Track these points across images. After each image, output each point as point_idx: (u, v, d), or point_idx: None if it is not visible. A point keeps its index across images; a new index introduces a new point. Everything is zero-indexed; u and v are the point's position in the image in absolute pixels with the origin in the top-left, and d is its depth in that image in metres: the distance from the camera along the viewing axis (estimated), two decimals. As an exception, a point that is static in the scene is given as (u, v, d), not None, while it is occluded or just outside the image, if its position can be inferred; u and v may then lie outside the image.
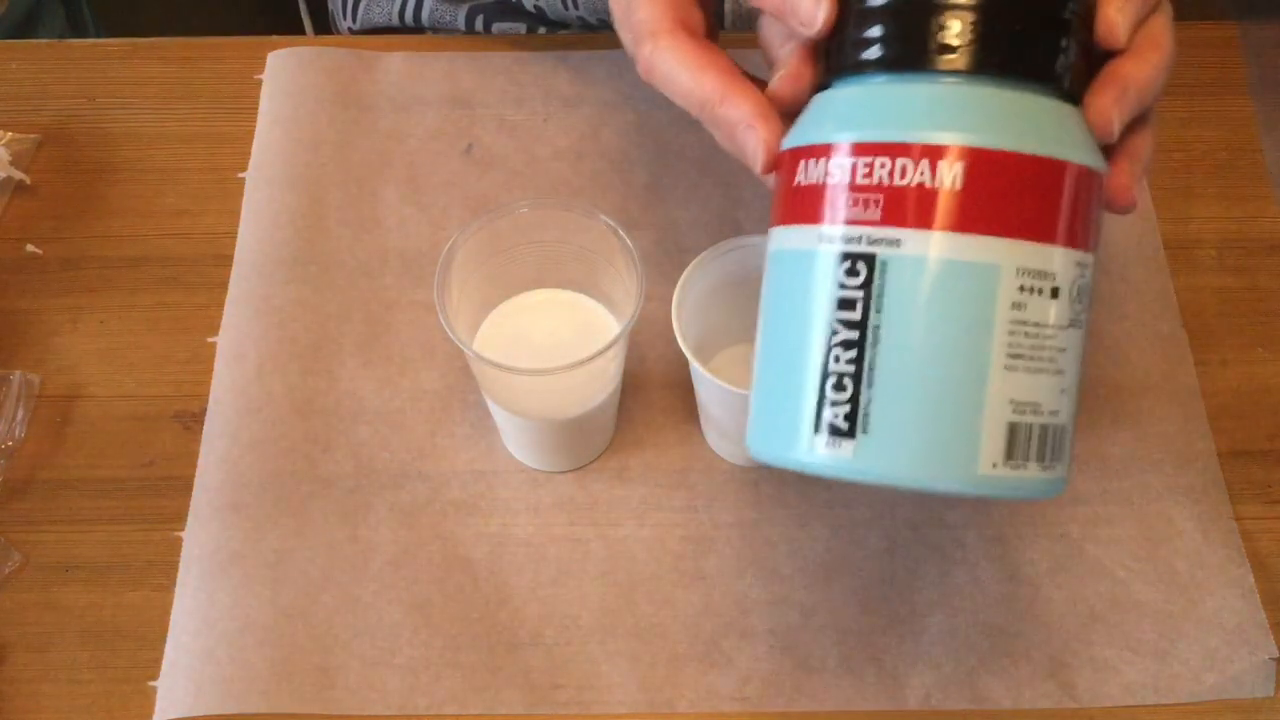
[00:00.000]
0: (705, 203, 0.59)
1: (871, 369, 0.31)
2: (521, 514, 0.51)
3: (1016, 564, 0.49)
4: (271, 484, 0.51)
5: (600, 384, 0.47)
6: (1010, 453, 0.31)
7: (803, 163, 0.33)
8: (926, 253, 0.30)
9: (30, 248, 0.58)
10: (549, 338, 0.50)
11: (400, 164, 0.60)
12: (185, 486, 0.51)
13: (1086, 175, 0.32)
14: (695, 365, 0.45)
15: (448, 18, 0.68)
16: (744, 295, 0.49)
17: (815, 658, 0.48)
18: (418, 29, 0.70)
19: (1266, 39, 0.65)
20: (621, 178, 0.60)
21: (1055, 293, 0.31)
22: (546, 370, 0.43)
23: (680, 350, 0.45)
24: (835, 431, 0.31)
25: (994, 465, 0.31)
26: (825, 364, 0.32)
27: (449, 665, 0.47)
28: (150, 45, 0.65)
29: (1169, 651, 0.48)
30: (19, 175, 0.60)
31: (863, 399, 0.31)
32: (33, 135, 0.61)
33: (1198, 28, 0.65)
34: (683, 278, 0.46)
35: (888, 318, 0.31)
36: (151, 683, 0.47)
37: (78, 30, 0.94)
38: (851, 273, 0.31)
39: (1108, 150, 0.34)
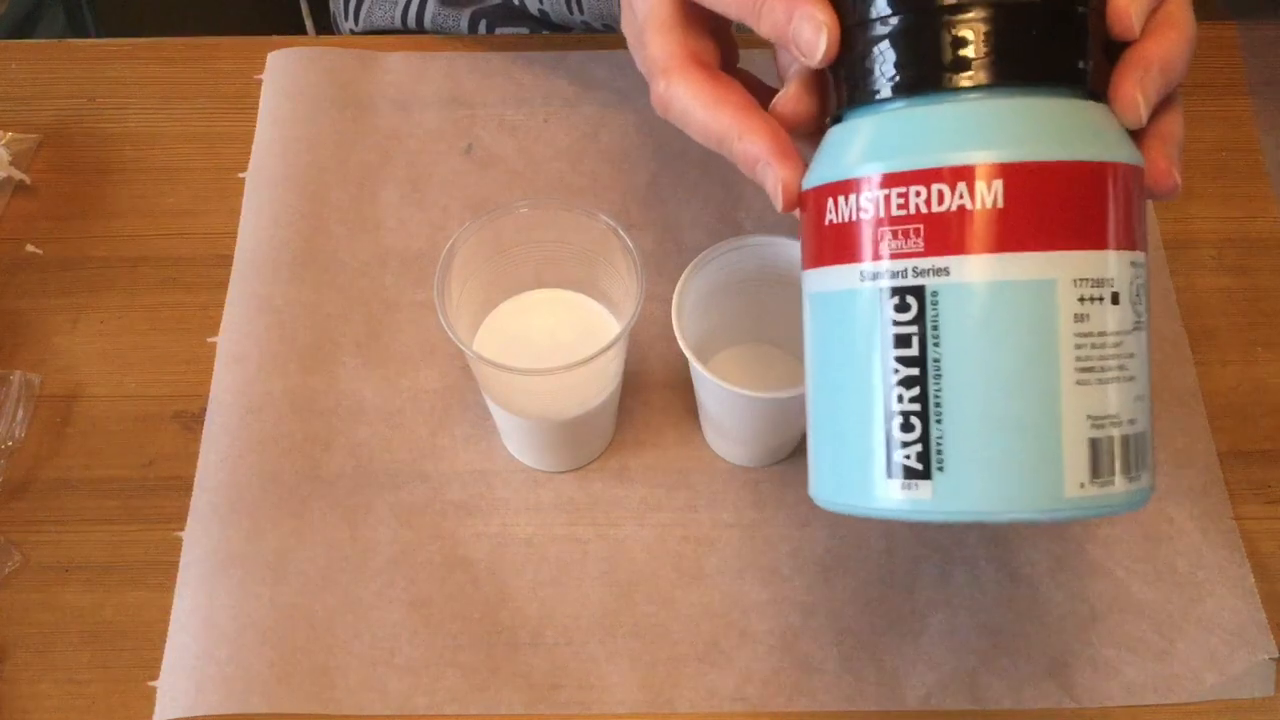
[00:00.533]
0: (705, 203, 0.59)
1: (938, 404, 0.30)
2: (521, 514, 0.51)
3: (1016, 564, 0.49)
4: (271, 484, 0.51)
5: (600, 384, 0.47)
6: (1095, 470, 0.30)
7: (830, 200, 0.32)
8: (977, 277, 0.29)
9: (30, 248, 0.58)
10: (549, 338, 0.50)
11: (400, 164, 0.60)
12: (185, 486, 0.51)
13: (1126, 172, 0.31)
14: (695, 365, 0.45)
15: (450, 21, 0.68)
16: (744, 295, 0.49)
17: (815, 658, 0.48)
18: (420, 32, 0.69)
19: (1266, 39, 0.65)
20: (621, 178, 0.60)
21: (1115, 298, 0.30)
22: (546, 370, 0.43)
23: (680, 350, 0.44)
24: (909, 474, 0.30)
25: (1080, 486, 0.30)
26: (888, 405, 0.31)
27: (449, 665, 0.47)
28: (150, 45, 0.65)
29: (1169, 651, 0.48)
30: (19, 175, 0.60)
31: (933, 436, 0.30)
32: (33, 135, 0.61)
33: (1198, 27, 0.65)
34: (683, 278, 0.46)
35: (947, 349, 0.30)
36: (151, 683, 0.47)
37: (78, 30, 0.94)
38: (902, 308, 0.30)
39: (1138, 137, 0.33)
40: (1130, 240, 0.31)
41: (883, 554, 0.50)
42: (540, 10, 0.67)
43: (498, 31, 0.68)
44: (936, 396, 0.30)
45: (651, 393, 0.54)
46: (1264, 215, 0.59)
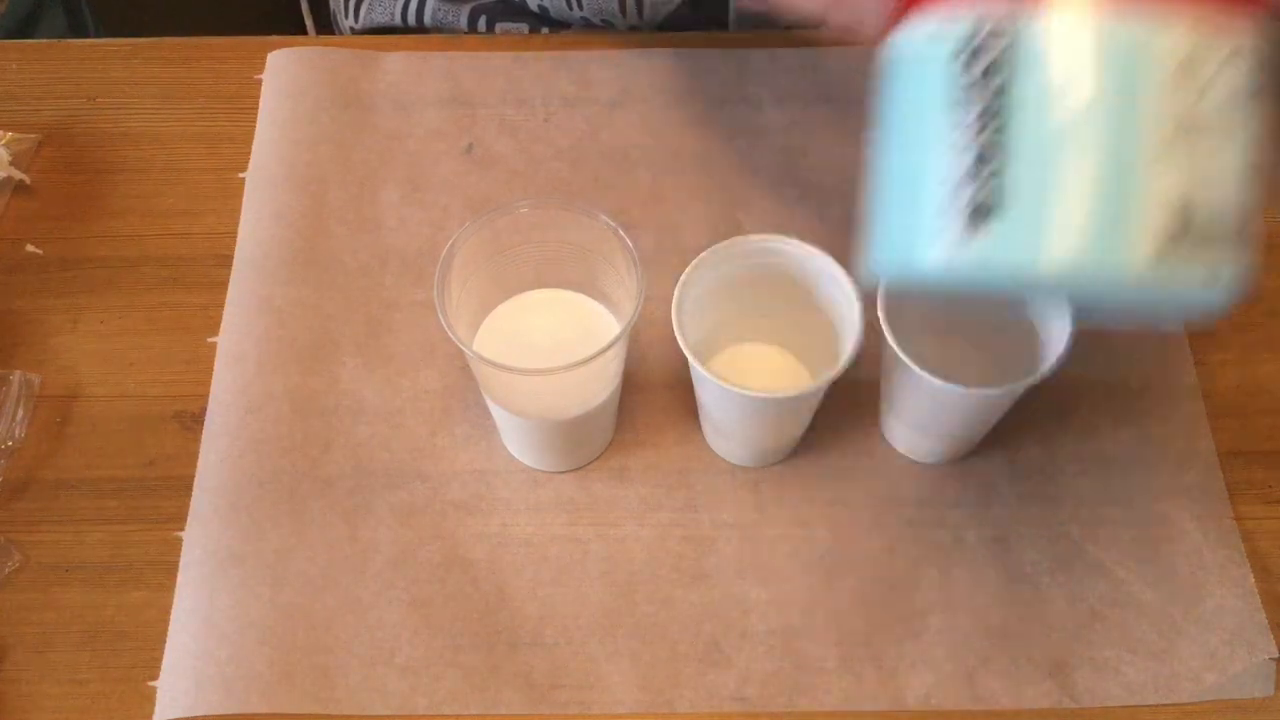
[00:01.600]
0: (705, 203, 0.59)
1: (1010, 149, 0.28)
2: (521, 514, 0.51)
3: (1016, 564, 0.49)
4: (271, 484, 0.51)
5: (600, 384, 0.47)
6: (1178, 234, 0.27)
7: None
8: (1075, 17, 0.27)
9: (30, 248, 0.58)
10: (549, 338, 0.50)
11: (400, 164, 0.60)
12: (185, 486, 0.51)
13: None
14: (695, 365, 0.45)
15: (450, 18, 0.68)
16: (744, 295, 0.49)
17: (815, 658, 0.48)
18: (420, 29, 0.70)
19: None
20: (621, 178, 0.60)
21: (1229, 58, 0.27)
22: (546, 370, 0.43)
23: (680, 350, 0.44)
24: (975, 214, 0.28)
25: (1158, 250, 0.27)
26: (958, 150, 0.28)
27: (449, 665, 0.47)
28: (150, 45, 0.65)
29: (1169, 651, 0.48)
30: (19, 175, 0.60)
31: (1008, 172, 0.27)
32: (33, 135, 0.61)
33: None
34: (683, 278, 0.46)
35: (1031, 90, 0.27)
36: (151, 683, 0.47)
37: (78, 30, 0.94)
38: (979, 52, 0.28)
39: None
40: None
41: (883, 554, 0.50)
42: (540, 6, 0.67)
43: (497, 27, 0.68)
44: (1009, 142, 0.28)
45: (651, 393, 0.54)
46: (1263, 215, 0.59)
